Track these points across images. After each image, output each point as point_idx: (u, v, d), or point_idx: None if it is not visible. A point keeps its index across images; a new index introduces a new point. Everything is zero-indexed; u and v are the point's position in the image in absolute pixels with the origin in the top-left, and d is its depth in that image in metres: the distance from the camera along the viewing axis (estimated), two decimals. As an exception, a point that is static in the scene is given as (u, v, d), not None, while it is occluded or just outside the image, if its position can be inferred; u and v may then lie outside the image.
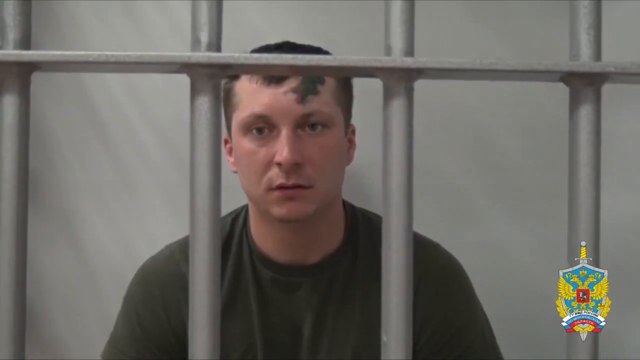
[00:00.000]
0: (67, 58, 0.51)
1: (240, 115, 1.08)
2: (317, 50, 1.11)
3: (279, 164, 1.05)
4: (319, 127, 1.07)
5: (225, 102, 1.11)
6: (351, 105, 1.15)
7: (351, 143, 1.17)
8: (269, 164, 1.06)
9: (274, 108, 1.06)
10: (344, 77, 1.10)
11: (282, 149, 1.04)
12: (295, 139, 1.06)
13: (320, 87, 1.07)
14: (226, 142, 1.15)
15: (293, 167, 1.05)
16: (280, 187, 1.06)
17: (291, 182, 1.05)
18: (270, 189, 1.06)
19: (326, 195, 1.10)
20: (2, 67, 0.50)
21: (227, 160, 1.15)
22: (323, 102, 1.08)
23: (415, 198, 0.51)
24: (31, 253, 0.52)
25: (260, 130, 1.07)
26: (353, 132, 1.18)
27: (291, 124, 1.06)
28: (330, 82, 1.09)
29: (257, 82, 1.07)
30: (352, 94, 1.15)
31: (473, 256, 1.25)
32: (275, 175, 1.06)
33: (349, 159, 1.16)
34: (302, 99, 1.06)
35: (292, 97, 1.06)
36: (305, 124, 1.07)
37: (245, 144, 1.08)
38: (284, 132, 1.05)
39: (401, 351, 0.51)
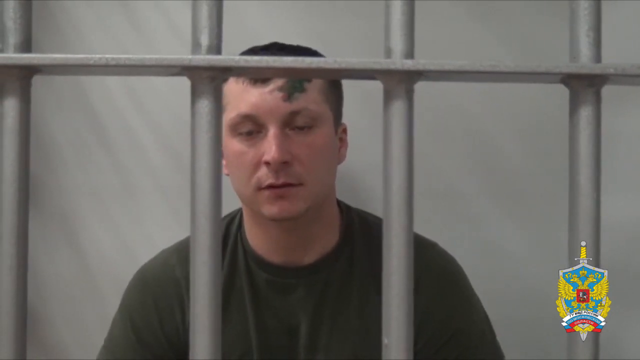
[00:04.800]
0: (68, 61, 0.51)
1: (228, 115, 1.08)
2: (307, 51, 1.11)
3: (267, 163, 1.05)
4: (306, 126, 1.07)
5: None
6: (341, 104, 1.14)
7: (342, 142, 1.16)
8: (257, 164, 1.06)
9: (261, 107, 1.06)
10: None
11: (270, 148, 1.04)
12: (283, 137, 1.05)
13: (307, 85, 1.07)
14: None
15: (281, 166, 1.04)
16: (270, 187, 1.05)
17: (280, 181, 1.05)
18: (260, 188, 1.06)
19: (317, 193, 1.09)
20: (3, 70, 0.50)
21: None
22: (310, 99, 1.07)
23: (415, 200, 0.52)
24: (32, 256, 0.52)
25: (249, 133, 1.07)
26: (344, 131, 1.17)
27: (278, 123, 1.05)
28: (318, 81, 1.08)
29: (243, 83, 1.07)
30: (341, 92, 1.14)
31: (473, 257, 1.25)
32: (265, 175, 1.05)
33: (340, 158, 1.16)
34: (288, 97, 1.06)
35: (278, 95, 1.06)
36: (292, 122, 1.06)
37: (235, 145, 1.08)
38: (272, 131, 1.05)
39: (403, 353, 0.51)
